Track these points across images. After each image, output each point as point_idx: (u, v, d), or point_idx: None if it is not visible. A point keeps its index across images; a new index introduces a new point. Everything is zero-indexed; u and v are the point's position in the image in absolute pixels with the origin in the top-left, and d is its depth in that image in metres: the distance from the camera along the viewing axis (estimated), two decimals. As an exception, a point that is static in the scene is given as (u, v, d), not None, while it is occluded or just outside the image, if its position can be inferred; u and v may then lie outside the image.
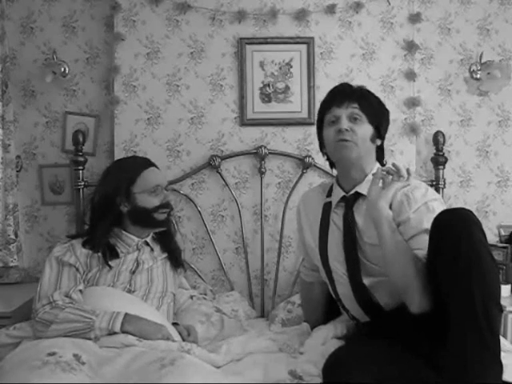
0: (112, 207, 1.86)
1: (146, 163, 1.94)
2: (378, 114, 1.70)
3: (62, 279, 1.77)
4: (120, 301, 1.75)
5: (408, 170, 1.53)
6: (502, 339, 1.38)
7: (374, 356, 1.41)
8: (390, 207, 1.54)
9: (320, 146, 1.78)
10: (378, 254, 1.56)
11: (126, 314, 1.66)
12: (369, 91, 1.74)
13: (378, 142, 1.72)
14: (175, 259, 2.00)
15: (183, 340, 1.75)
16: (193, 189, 2.42)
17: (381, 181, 1.54)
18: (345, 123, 1.63)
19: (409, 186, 1.57)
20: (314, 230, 1.77)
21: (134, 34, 2.40)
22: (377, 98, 1.74)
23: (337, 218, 1.71)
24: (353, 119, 1.65)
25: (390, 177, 1.53)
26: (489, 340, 1.28)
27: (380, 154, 1.75)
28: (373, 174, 1.59)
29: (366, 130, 1.65)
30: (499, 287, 1.35)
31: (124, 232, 1.90)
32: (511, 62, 2.51)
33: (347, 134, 1.62)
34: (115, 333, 1.62)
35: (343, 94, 1.69)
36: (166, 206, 1.90)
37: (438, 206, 1.55)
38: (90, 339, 1.60)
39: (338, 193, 1.72)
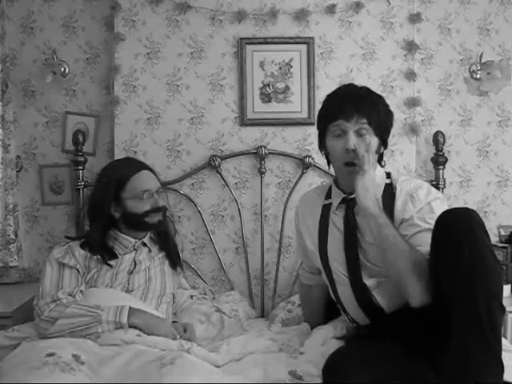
0: (103, 213, 1.88)
1: (137, 167, 1.93)
2: (385, 125, 1.67)
3: (63, 280, 1.78)
4: (118, 301, 1.74)
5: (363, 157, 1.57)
6: (502, 339, 1.37)
7: (374, 357, 1.42)
8: (386, 201, 1.58)
9: (319, 145, 1.75)
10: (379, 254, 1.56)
11: (130, 308, 1.69)
12: (379, 97, 1.68)
13: (382, 150, 1.71)
14: (173, 259, 2.01)
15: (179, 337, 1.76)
16: (193, 189, 2.42)
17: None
18: (352, 141, 1.59)
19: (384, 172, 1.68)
20: (313, 232, 1.77)
21: (133, 34, 2.40)
22: (385, 106, 1.68)
23: (337, 220, 1.71)
24: (360, 134, 1.61)
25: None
26: (491, 340, 1.27)
27: (379, 158, 1.74)
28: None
29: (372, 143, 1.62)
30: (502, 287, 1.34)
31: (120, 234, 1.92)
32: (511, 62, 2.51)
33: (355, 156, 1.59)
34: (122, 326, 1.64)
35: (352, 106, 1.61)
36: (156, 210, 1.89)
37: (441, 205, 1.58)
38: (90, 338, 1.60)
39: (338, 195, 1.72)
